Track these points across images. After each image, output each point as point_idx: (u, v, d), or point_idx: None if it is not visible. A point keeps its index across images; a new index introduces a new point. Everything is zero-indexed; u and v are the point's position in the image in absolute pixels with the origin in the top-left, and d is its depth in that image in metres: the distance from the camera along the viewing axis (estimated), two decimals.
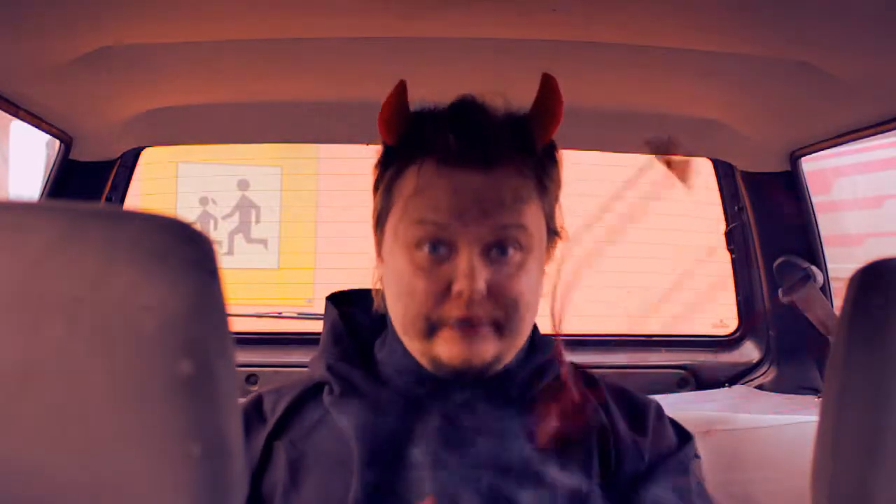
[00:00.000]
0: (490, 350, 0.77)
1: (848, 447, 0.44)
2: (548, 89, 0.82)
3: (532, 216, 0.79)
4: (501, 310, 0.77)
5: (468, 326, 0.76)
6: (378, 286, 0.86)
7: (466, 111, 0.80)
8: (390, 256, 0.80)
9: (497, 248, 0.77)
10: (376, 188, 0.84)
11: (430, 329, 0.77)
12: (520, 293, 0.77)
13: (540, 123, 0.81)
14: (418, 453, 0.77)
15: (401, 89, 0.82)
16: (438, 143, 0.78)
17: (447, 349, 0.77)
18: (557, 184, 0.84)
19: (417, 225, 0.77)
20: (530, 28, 1.01)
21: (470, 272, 0.75)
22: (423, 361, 0.80)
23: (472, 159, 0.77)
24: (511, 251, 0.77)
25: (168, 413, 0.37)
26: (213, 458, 0.38)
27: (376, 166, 0.85)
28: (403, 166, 0.80)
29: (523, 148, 0.80)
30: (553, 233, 0.84)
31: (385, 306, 0.83)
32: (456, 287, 0.75)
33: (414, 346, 0.80)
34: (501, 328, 0.77)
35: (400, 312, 0.79)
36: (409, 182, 0.79)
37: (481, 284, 0.75)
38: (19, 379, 0.36)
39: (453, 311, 0.76)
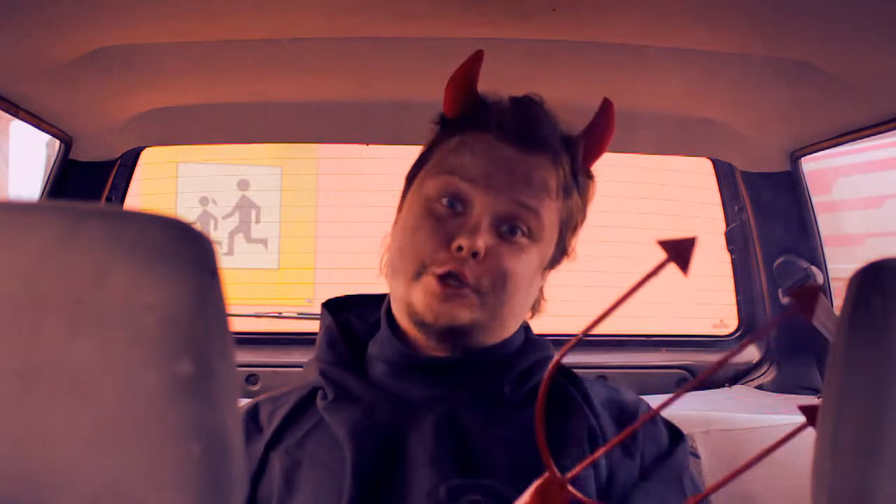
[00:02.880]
0: (465, 314, 0.77)
1: (848, 447, 0.44)
2: (603, 115, 0.86)
3: (549, 213, 0.81)
4: (489, 279, 0.77)
5: (450, 283, 0.76)
6: (384, 251, 0.86)
7: (529, 101, 0.83)
8: (408, 207, 0.83)
9: (508, 226, 0.79)
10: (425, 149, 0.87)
11: (418, 273, 0.78)
12: (513, 272, 0.78)
13: (587, 145, 0.85)
14: (412, 456, 0.77)
15: (475, 59, 0.85)
16: (493, 118, 0.81)
17: (424, 299, 0.77)
18: (582, 209, 0.86)
19: (444, 176, 0.80)
20: (530, 28, 1.01)
21: (475, 230, 0.77)
22: (402, 311, 0.80)
23: (518, 138, 0.80)
24: (519, 234, 0.79)
25: (168, 413, 0.37)
26: (213, 458, 0.38)
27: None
28: (453, 133, 0.83)
29: (566, 155, 0.83)
30: (562, 249, 0.85)
31: (385, 269, 0.84)
32: (456, 242, 0.77)
33: (398, 288, 0.81)
34: (484, 296, 0.78)
35: (398, 253, 0.81)
36: (452, 143, 0.83)
37: (481, 244, 0.76)
38: (19, 379, 0.36)
39: (445, 263, 0.77)
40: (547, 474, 0.56)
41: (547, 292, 0.88)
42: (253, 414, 0.85)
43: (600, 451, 0.57)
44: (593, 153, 0.86)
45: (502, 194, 0.79)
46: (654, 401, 0.90)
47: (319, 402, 0.82)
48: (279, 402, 0.85)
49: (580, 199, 0.85)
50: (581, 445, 0.79)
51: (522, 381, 0.82)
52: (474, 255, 0.76)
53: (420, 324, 0.79)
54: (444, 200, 0.79)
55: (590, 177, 0.87)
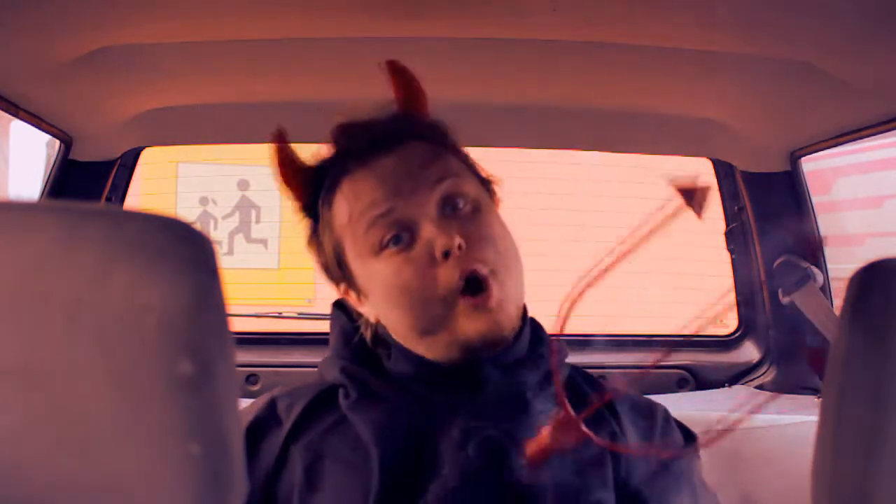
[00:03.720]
0: (493, 297, 0.77)
1: (848, 447, 0.44)
2: (399, 78, 0.88)
3: (457, 167, 0.83)
4: (482, 251, 0.77)
5: (475, 293, 0.76)
6: (373, 320, 0.85)
7: (348, 124, 0.86)
8: (371, 281, 0.81)
9: (447, 206, 0.80)
10: (314, 246, 0.87)
11: (447, 309, 0.77)
12: (489, 232, 0.79)
13: (415, 106, 0.87)
14: (439, 458, 0.76)
15: (280, 145, 0.87)
16: (351, 152, 0.83)
17: (469, 324, 0.76)
18: (461, 148, 0.87)
19: (371, 230, 0.79)
20: (530, 28, 1.01)
21: (439, 230, 0.77)
22: (452, 353, 0.79)
23: (381, 146, 0.82)
24: (460, 203, 0.80)
25: (168, 413, 0.37)
26: (212, 458, 0.38)
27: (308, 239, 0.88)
28: (326, 207, 0.84)
29: (428, 129, 0.85)
30: (485, 182, 0.86)
31: (388, 334, 0.83)
32: (439, 252, 0.76)
33: (432, 342, 0.79)
34: (497, 274, 0.77)
35: (407, 316, 0.79)
36: (340, 209, 0.82)
37: (454, 234, 0.76)
38: (19, 378, 0.36)
39: (453, 276, 0.76)
40: (562, 413, 0.59)
41: (548, 293, 0.88)
42: (271, 406, 0.84)
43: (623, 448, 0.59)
44: (423, 107, 0.87)
45: (420, 189, 0.79)
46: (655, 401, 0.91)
47: (342, 401, 0.81)
48: (296, 396, 0.85)
49: (454, 143, 0.86)
50: (603, 448, 0.79)
51: (544, 384, 0.81)
52: (460, 248, 0.76)
53: (475, 346, 0.78)
54: (391, 245, 0.78)
55: (444, 129, 0.88)
